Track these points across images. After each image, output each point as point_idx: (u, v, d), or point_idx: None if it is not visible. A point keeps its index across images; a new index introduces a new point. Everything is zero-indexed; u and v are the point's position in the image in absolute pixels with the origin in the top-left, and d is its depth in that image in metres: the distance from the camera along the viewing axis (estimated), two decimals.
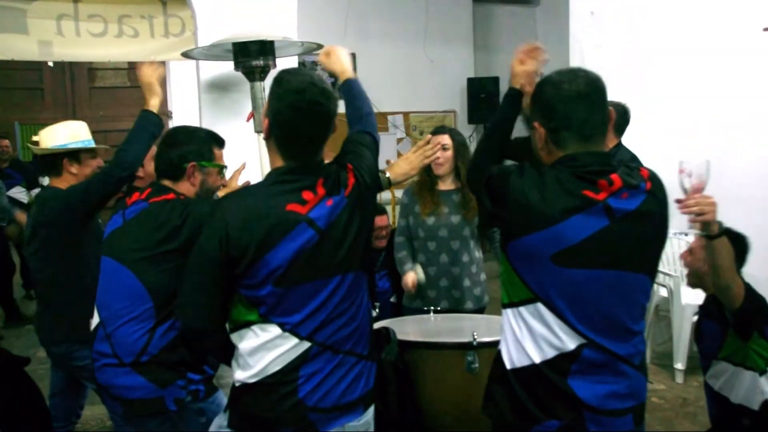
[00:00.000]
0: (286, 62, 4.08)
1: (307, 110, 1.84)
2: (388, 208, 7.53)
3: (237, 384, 1.92)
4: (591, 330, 1.75)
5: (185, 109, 6.25)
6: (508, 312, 1.85)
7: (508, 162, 2.02)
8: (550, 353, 1.77)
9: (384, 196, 7.89)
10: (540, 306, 1.77)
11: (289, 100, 1.84)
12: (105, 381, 2.28)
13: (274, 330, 1.83)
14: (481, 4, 8.26)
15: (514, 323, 1.83)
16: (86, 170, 2.92)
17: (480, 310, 3.53)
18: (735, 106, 4.72)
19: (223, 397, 2.34)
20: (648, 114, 4.47)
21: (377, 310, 3.13)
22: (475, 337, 2.52)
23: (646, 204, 1.77)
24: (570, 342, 1.75)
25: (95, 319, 2.33)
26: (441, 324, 3.03)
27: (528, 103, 1.98)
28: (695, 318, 4.60)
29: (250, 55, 3.68)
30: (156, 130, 2.85)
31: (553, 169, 1.79)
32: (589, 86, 1.80)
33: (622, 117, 3.85)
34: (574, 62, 5.03)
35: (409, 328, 2.87)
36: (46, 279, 2.87)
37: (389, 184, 2.26)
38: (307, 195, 1.84)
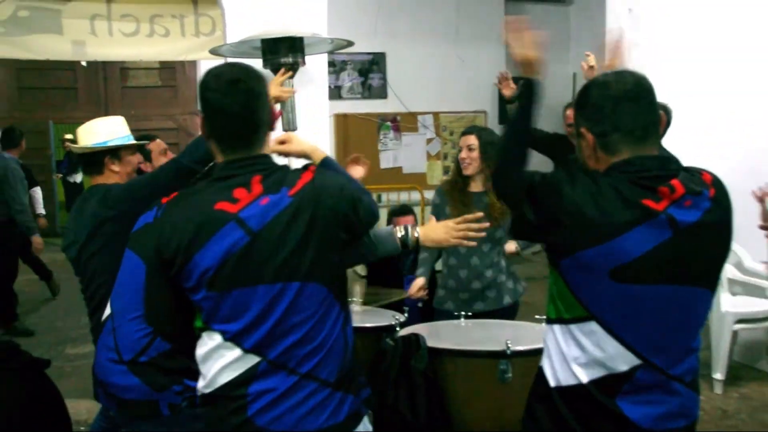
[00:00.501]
0: (315, 60, 3.99)
1: (228, 89, 1.74)
2: (417, 209, 7.43)
3: (198, 394, 1.84)
4: (648, 350, 1.62)
5: None
6: (556, 328, 1.72)
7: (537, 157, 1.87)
8: (600, 373, 1.64)
9: (413, 196, 7.79)
10: (594, 325, 1.63)
11: (212, 85, 1.76)
12: (103, 377, 2.21)
13: (217, 338, 1.73)
14: (514, 2, 8.05)
15: (562, 341, 1.69)
16: (128, 168, 2.80)
17: (515, 305, 3.44)
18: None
19: None
20: (695, 111, 4.30)
21: (406, 314, 3.01)
22: (509, 345, 2.39)
23: (711, 213, 1.62)
24: (623, 363, 1.62)
25: (107, 311, 2.27)
26: (472, 330, 2.91)
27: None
28: (736, 326, 4.45)
29: (279, 52, 3.59)
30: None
31: (608, 176, 1.64)
32: (638, 85, 1.67)
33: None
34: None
35: (439, 335, 2.75)
36: (105, 283, 2.58)
37: (415, 245, 2.10)
38: (239, 193, 1.71)
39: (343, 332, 1.78)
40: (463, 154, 3.39)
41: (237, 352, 1.71)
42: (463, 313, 3.06)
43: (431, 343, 2.52)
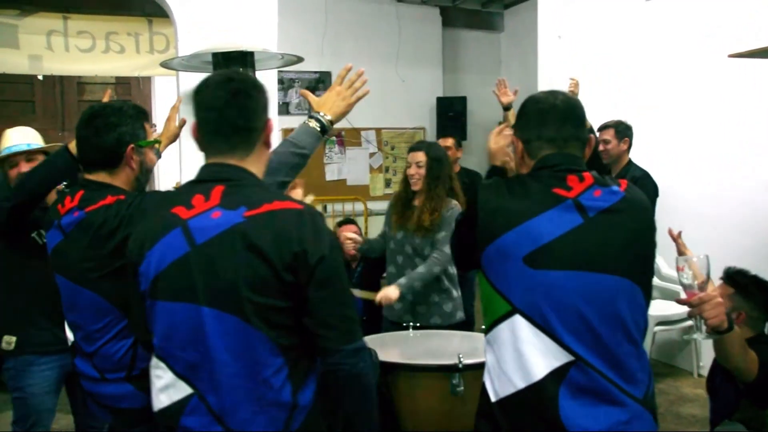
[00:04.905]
0: (265, 75, 3.72)
1: (217, 85, 1.50)
2: (361, 219, 7.19)
3: None
4: (576, 343, 1.44)
5: None
6: (489, 336, 1.56)
7: None
8: (536, 374, 1.45)
9: (357, 207, 7.55)
10: (519, 318, 1.47)
11: (202, 83, 1.53)
12: (91, 389, 1.91)
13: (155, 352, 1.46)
14: (450, 28, 7.99)
15: (495, 345, 1.52)
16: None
17: (449, 327, 3.11)
18: (701, 129, 4.46)
19: None
20: None
21: None
22: (461, 359, 2.18)
23: (623, 203, 1.54)
24: (555, 359, 1.44)
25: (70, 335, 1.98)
26: (422, 343, 2.68)
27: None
28: (656, 328, 4.35)
29: (230, 67, 3.28)
30: (62, 166, 2.29)
31: (528, 176, 1.62)
32: (565, 103, 1.65)
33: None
34: (543, 85, 4.74)
35: (389, 348, 2.51)
36: None
37: (332, 125, 1.83)
38: (197, 199, 1.42)
39: (289, 393, 1.37)
40: (412, 170, 3.14)
41: (169, 375, 1.41)
42: (411, 324, 2.82)
43: (383, 356, 2.27)
